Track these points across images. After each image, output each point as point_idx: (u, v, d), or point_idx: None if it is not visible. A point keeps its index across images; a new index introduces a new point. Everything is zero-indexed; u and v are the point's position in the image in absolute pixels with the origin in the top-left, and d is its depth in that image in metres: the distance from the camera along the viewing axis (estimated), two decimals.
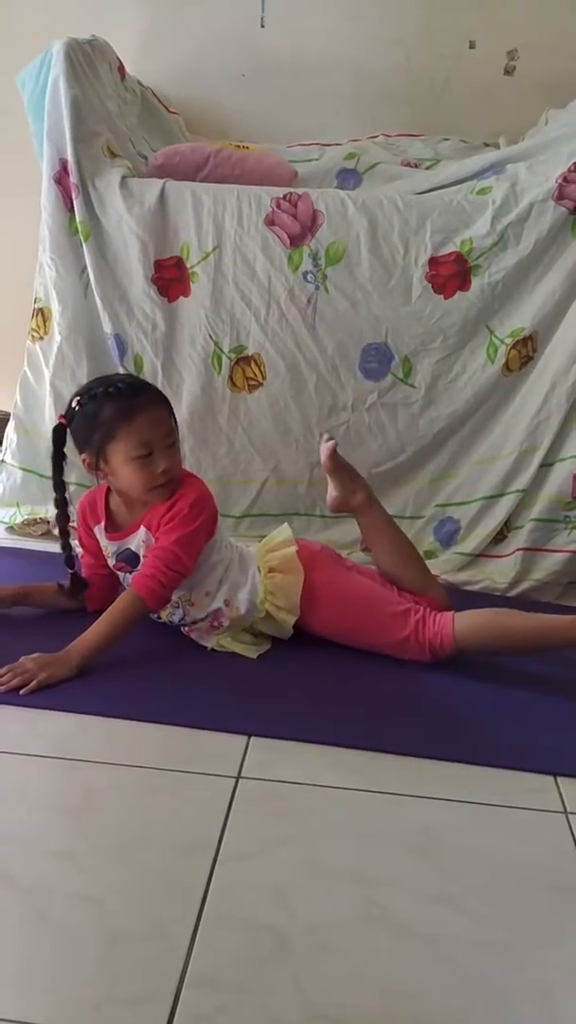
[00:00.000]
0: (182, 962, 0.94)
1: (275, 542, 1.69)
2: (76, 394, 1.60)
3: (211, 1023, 0.87)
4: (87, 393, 1.58)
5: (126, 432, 1.53)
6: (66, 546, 1.67)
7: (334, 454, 1.70)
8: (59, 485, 1.64)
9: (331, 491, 1.76)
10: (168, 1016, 0.87)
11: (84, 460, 1.58)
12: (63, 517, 1.66)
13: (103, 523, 1.65)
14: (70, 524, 1.68)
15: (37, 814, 1.17)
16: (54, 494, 1.65)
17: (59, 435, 1.61)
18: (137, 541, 1.61)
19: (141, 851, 1.11)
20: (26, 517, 2.16)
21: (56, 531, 1.70)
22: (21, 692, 1.41)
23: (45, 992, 0.90)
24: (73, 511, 1.70)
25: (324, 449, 1.71)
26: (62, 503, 1.65)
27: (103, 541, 1.66)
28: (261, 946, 0.97)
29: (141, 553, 1.61)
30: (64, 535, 1.67)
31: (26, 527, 2.15)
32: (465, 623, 1.57)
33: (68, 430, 1.60)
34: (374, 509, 1.75)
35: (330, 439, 1.72)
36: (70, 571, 1.68)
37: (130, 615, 1.53)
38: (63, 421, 1.60)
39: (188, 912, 1.01)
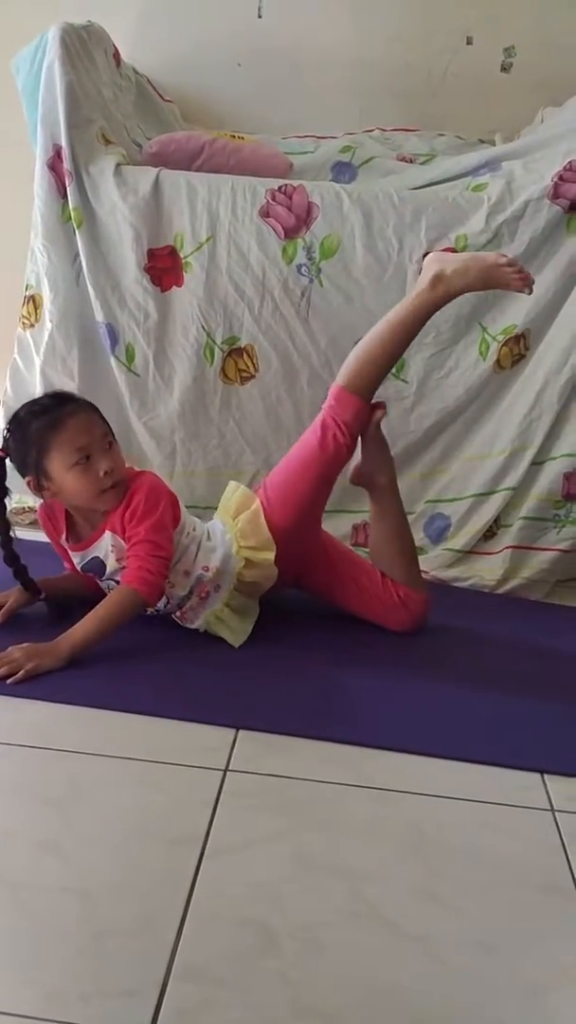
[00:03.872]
0: (168, 955, 0.93)
1: (228, 495, 1.71)
2: (5, 425, 1.59)
3: (197, 1017, 0.87)
4: (13, 419, 1.57)
5: (58, 442, 1.51)
6: (11, 557, 1.60)
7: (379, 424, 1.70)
8: (2, 518, 1.58)
9: (360, 463, 1.74)
10: (154, 1009, 0.87)
11: (28, 483, 1.56)
12: (6, 538, 1.59)
13: (65, 534, 1.64)
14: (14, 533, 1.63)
15: (22, 805, 1.16)
16: None
17: None
18: (104, 548, 1.59)
19: (128, 844, 1.10)
20: (14, 505, 2.13)
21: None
22: (8, 681, 1.40)
23: (31, 984, 0.89)
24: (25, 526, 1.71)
25: (374, 416, 1.69)
26: (4, 530, 1.59)
27: (70, 552, 1.64)
28: (248, 941, 0.97)
29: (109, 560, 1.59)
30: (8, 558, 1.61)
31: (14, 516, 2.12)
32: (348, 380, 1.65)
33: (7, 461, 1.57)
34: (393, 495, 1.75)
35: (383, 408, 1.70)
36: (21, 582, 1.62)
37: (123, 609, 1.51)
38: (2, 453, 1.57)
39: (175, 905, 1.00)
